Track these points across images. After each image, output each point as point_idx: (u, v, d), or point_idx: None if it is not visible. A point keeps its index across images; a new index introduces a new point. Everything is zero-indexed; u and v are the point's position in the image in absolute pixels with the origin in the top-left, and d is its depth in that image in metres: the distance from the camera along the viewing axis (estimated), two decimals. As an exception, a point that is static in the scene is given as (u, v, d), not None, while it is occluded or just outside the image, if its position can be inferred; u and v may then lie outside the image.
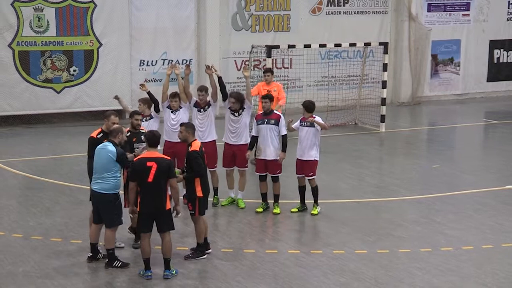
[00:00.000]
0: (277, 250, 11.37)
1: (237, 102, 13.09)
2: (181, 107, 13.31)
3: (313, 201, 13.14)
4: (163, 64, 22.19)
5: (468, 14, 26.95)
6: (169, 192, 10.24)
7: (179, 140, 12.06)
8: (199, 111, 13.29)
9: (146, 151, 10.28)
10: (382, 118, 21.22)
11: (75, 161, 16.60)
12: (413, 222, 12.81)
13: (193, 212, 10.76)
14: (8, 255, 10.94)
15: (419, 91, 26.17)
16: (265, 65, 20.98)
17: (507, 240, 11.87)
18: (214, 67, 13.46)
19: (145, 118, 12.75)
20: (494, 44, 27.68)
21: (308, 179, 13.05)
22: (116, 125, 10.71)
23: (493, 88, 27.97)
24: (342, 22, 24.74)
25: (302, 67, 22.40)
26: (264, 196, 13.31)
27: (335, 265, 10.74)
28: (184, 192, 11.32)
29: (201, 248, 10.93)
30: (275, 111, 13.15)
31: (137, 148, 11.21)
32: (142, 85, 13.35)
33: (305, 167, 12.97)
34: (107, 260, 10.50)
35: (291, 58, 23.50)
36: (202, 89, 13.33)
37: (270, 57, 20.03)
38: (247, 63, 22.52)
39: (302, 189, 13.19)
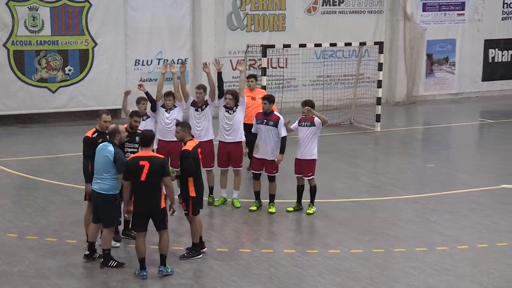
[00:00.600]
0: (273, 249, 11.37)
1: (234, 99, 13.10)
2: (175, 106, 13.28)
3: (309, 200, 13.14)
4: (158, 64, 22.16)
5: (463, 14, 26.98)
6: (164, 191, 10.23)
7: (173, 139, 12.07)
8: (196, 110, 13.28)
9: (140, 150, 10.30)
10: (378, 118, 21.23)
11: (70, 161, 16.56)
12: (409, 222, 12.81)
13: (186, 212, 10.77)
14: (3, 255, 10.92)
15: (414, 90, 26.18)
16: (260, 64, 21.02)
17: (503, 239, 11.89)
18: (217, 62, 13.45)
19: (142, 118, 12.74)
20: (489, 44, 27.71)
21: (308, 179, 13.04)
22: (112, 125, 10.68)
23: (488, 88, 27.99)
24: (338, 21, 24.73)
25: (298, 67, 22.41)
26: (257, 194, 13.31)
27: (331, 264, 10.74)
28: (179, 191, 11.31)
29: (197, 248, 10.92)
30: (275, 113, 13.13)
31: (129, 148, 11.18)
32: (140, 85, 13.24)
33: (304, 167, 12.96)
34: (102, 259, 10.48)
35: (286, 58, 23.50)
36: (200, 87, 13.33)
37: (266, 57, 20.04)
38: (242, 62, 22.54)
39: (300, 189, 13.19)
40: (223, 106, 13.26)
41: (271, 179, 13.15)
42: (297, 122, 13.04)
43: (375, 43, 21.87)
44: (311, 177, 13.01)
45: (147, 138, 10.27)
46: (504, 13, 27.76)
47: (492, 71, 27.96)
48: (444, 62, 26.98)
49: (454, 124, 23.15)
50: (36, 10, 20.79)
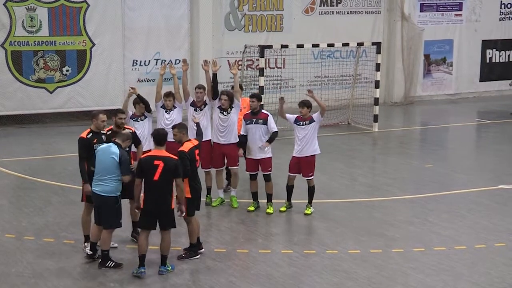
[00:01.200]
0: (270, 250, 11.37)
1: (229, 100, 13.10)
2: (175, 107, 13.28)
3: (307, 200, 13.14)
4: (156, 64, 22.15)
5: (461, 14, 27.01)
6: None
7: (172, 140, 12.07)
8: (195, 110, 13.28)
9: (154, 149, 10.28)
10: (375, 118, 21.25)
11: (67, 161, 16.54)
12: (406, 222, 12.82)
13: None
14: (0, 256, 10.91)
15: (412, 91, 26.21)
16: (258, 65, 21.02)
17: (500, 240, 11.90)
18: (214, 63, 13.45)
19: (139, 118, 12.74)
20: (487, 44, 27.75)
21: (307, 179, 13.03)
22: (127, 131, 10.75)
23: (486, 88, 28.04)
24: (335, 22, 24.75)
25: (295, 67, 22.40)
26: (254, 195, 13.31)
27: (329, 265, 10.75)
28: None
29: (194, 248, 10.93)
30: (262, 111, 13.13)
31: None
32: (133, 88, 13.03)
33: (304, 166, 12.92)
34: (100, 260, 10.48)
35: (284, 58, 23.50)
36: (201, 87, 13.32)
37: (263, 57, 20.06)
38: (240, 63, 22.52)
39: (290, 188, 13.20)
40: (218, 107, 13.25)
41: (267, 179, 13.15)
42: (294, 117, 13.00)
43: (373, 44, 21.88)
44: (311, 177, 13.01)
45: (161, 137, 10.26)
46: (501, 13, 27.80)
47: (489, 71, 28.00)
48: (441, 62, 27.01)
49: (451, 124, 23.17)
50: (34, 11, 20.77)
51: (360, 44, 21.83)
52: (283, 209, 13.20)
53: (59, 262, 10.70)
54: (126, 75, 22.10)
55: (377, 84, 21.53)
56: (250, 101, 13.13)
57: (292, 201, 13.29)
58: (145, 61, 22.39)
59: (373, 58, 22.01)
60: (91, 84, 21.66)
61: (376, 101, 21.44)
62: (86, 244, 10.91)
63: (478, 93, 27.89)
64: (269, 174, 13.14)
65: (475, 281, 10.22)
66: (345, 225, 12.53)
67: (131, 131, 11.31)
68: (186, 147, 10.78)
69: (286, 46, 21.02)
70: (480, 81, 27.92)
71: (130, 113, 12.76)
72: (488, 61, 27.95)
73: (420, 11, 26.31)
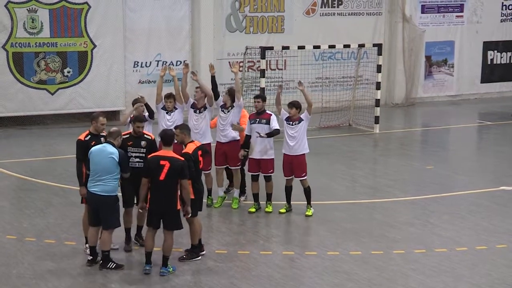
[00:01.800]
0: (271, 251, 11.37)
1: (229, 96, 13.19)
2: (176, 108, 13.29)
3: (305, 202, 13.15)
4: (157, 66, 22.16)
5: (462, 16, 27.01)
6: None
7: (174, 141, 12.09)
8: (195, 112, 13.29)
9: (162, 149, 10.29)
10: (376, 119, 21.25)
11: (68, 163, 16.47)
12: (407, 223, 12.82)
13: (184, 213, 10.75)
14: (1, 257, 10.91)
15: (413, 92, 26.20)
16: (259, 66, 21.02)
17: (501, 241, 11.89)
18: (211, 67, 13.48)
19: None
20: (488, 46, 27.75)
21: (300, 180, 13.06)
22: (115, 128, 10.69)
23: (487, 90, 28.04)
24: (336, 23, 24.75)
25: (296, 69, 22.39)
26: (256, 196, 13.32)
27: (329, 266, 10.75)
28: None
29: (195, 250, 10.93)
30: (267, 111, 13.13)
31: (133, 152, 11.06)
32: (142, 97, 13.00)
33: (295, 167, 12.95)
34: (101, 261, 10.48)
35: (285, 60, 23.52)
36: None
37: (264, 59, 20.07)
38: (241, 64, 22.53)
39: (289, 189, 13.22)
40: (221, 106, 13.30)
41: (267, 179, 13.18)
42: (285, 116, 12.99)
43: (374, 45, 21.88)
44: (304, 178, 13.02)
45: (168, 137, 10.30)
46: (502, 15, 27.79)
47: (490, 73, 28.00)
48: (442, 64, 27.00)
49: (452, 126, 23.17)
50: (35, 12, 20.79)
51: (361, 46, 21.83)
52: (282, 210, 13.20)
53: (60, 263, 10.71)
54: (127, 77, 22.11)
55: (378, 86, 21.53)
56: (255, 101, 13.17)
57: (292, 203, 13.28)
58: (146, 62, 22.39)
59: (374, 59, 22.02)
60: (92, 86, 21.66)
61: (377, 103, 21.44)
62: (87, 245, 10.90)
63: (479, 94, 27.89)
64: (270, 175, 13.15)
65: (475, 282, 10.22)
66: (346, 227, 12.53)
67: (151, 138, 11.23)
68: (189, 148, 10.80)
69: (287, 48, 21.04)
70: (481, 83, 27.92)
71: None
72: (489, 62, 27.95)
73: (421, 13, 26.31)
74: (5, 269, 10.47)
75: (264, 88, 19.81)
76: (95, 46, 21.55)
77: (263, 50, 20.15)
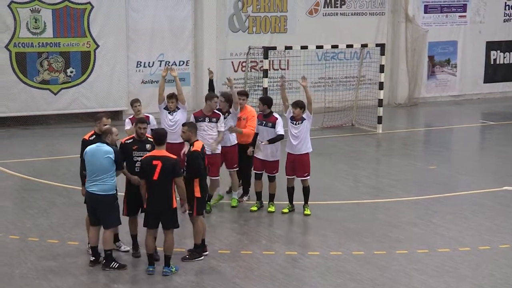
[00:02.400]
0: (274, 251, 11.38)
1: (226, 102, 13.10)
2: (178, 108, 13.31)
3: (303, 201, 13.16)
4: (160, 66, 22.16)
5: (465, 16, 26.99)
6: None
7: (176, 141, 12.11)
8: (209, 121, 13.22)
9: (155, 149, 10.32)
10: (379, 119, 21.24)
11: (71, 163, 16.55)
12: (410, 223, 12.81)
13: (191, 212, 10.75)
14: (4, 257, 10.93)
15: (416, 92, 26.19)
16: (262, 66, 21.02)
17: (504, 241, 11.89)
18: (210, 71, 13.53)
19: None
20: (491, 46, 27.72)
21: (302, 180, 13.06)
22: (106, 126, 10.68)
23: (490, 90, 28.02)
24: (339, 23, 24.74)
25: (299, 69, 22.36)
26: (258, 195, 13.34)
27: (332, 266, 10.75)
28: None
29: (198, 250, 10.93)
30: (274, 114, 13.13)
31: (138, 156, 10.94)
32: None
33: (298, 167, 12.95)
34: (104, 261, 10.49)
35: (288, 60, 23.51)
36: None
37: (267, 59, 20.08)
38: (244, 64, 22.56)
39: (291, 190, 13.22)
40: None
41: (271, 179, 13.20)
42: (290, 114, 12.99)
43: (377, 45, 21.86)
44: (307, 178, 13.03)
45: (160, 137, 10.28)
46: (506, 15, 27.77)
47: (493, 73, 27.98)
48: (445, 64, 26.99)
49: (455, 126, 23.15)
50: (38, 12, 20.80)
51: (364, 46, 21.82)
52: (285, 210, 13.21)
53: (63, 263, 10.72)
54: (130, 77, 22.12)
55: (381, 86, 21.52)
56: (258, 104, 13.20)
57: (295, 202, 13.29)
58: (149, 62, 22.40)
59: (377, 59, 22.01)
60: (95, 86, 21.68)
61: (380, 103, 21.43)
62: (90, 245, 10.90)
63: (482, 94, 27.87)
64: (274, 176, 13.17)
65: (478, 282, 10.21)
66: (348, 227, 12.52)
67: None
68: (198, 146, 10.82)
69: (290, 48, 21.04)
70: (484, 83, 27.90)
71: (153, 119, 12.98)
72: (492, 62, 27.93)
73: (424, 13, 26.30)
74: (8, 269, 10.49)
75: (267, 88, 19.80)
76: (98, 46, 21.56)
77: (266, 50, 20.15)
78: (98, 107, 21.47)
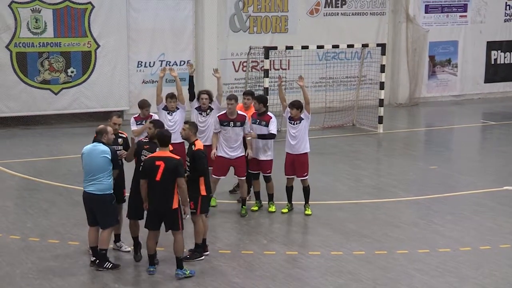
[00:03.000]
0: (275, 251, 11.37)
1: (209, 99, 13.12)
2: (178, 108, 13.30)
3: (304, 201, 13.16)
4: (160, 66, 22.14)
5: (466, 16, 26.99)
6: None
7: (176, 141, 12.09)
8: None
9: (157, 150, 10.25)
10: (380, 119, 21.24)
11: (72, 163, 16.56)
12: (411, 223, 12.81)
13: (194, 210, 10.72)
14: (5, 257, 10.93)
15: (417, 92, 26.19)
16: (262, 66, 21.02)
17: (505, 241, 11.88)
18: (190, 66, 13.58)
19: (144, 121, 12.73)
20: (492, 46, 27.72)
21: (301, 180, 13.06)
22: (101, 125, 10.67)
23: (490, 89, 28.03)
24: (340, 23, 24.75)
25: (300, 68, 22.35)
26: (257, 195, 13.34)
27: (333, 266, 10.74)
28: None
29: (199, 249, 10.92)
30: (268, 113, 13.12)
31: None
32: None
33: (298, 166, 12.96)
34: (97, 260, 10.47)
35: (288, 60, 23.50)
36: (231, 98, 12.88)
37: (268, 58, 20.08)
38: (245, 64, 22.56)
39: (290, 189, 13.23)
40: (196, 108, 13.19)
41: (267, 179, 13.18)
42: (288, 114, 12.99)
43: (378, 45, 21.87)
44: (305, 178, 13.03)
45: (164, 138, 10.25)
46: (506, 15, 27.77)
47: (494, 73, 27.98)
48: (446, 64, 26.99)
49: (456, 126, 23.16)
50: (38, 12, 20.81)
51: (365, 46, 21.82)
52: (284, 210, 13.21)
53: (63, 263, 10.72)
54: (131, 77, 22.13)
55: (381, 86, 21.52)
56: (253, 102, 13.17)
57: (295, 202, 13.29)
58: (149, 62, 22.40)
59: (378, 59, 22.01)
60: (96, 86, 21.68)
61: (381, 103, 21.43)
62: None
63: (482, 94, 27.87)
64: (269, 176, 13.16)
65: (479, 282, 10.21)
66: (349, 227, 12.52)
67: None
68: (200, 145, 10.84)
69: (291, 48, 21.04)
70: (485, 83, 27.90)
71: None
72: (493, 62, 27.93)
73: (425, 13, 26.29)
74: (9, 269, 10.49)
75: (267, 88, 19.80)
76: (98, 46, 21.56)
77: (267, 50, 20.16)
78: (99, 107, 21.51)
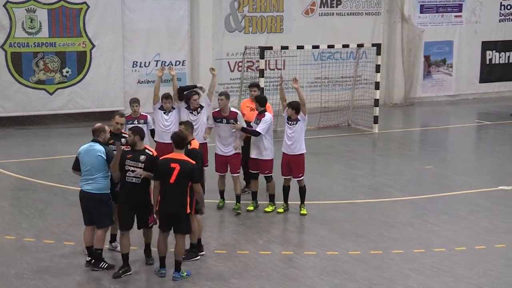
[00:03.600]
0: (271, 251, 11.37)
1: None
2: (173, 108, 13.29)
3: (300, 201, 13.16)
4: (156, 66, 22.11)
5: (461, 16, 27.01)
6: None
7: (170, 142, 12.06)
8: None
9: (174, 151, 10.16)
10: (375, 119, 21.25)
11: (67, 163, 16.35)
12: (406, 223, 12.82)
13: (189, 211, 10.69)
14: (0, 257, 10.91)
15: (412, 92, 26.20)
16: (258, 66, 21.01)
17: (500, 241, 11.90)
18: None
19: (136, 121, 12.74)
20: (487, 45, 27.74)
21: (297, 180, 13.07)
22: (98, 124, 10.65)
23: (485, 89, 28.04)
24: (335, 23, 24.75)
25: (295, 68, 22.38)
26: (254, 195, 13.34)
27: (329, 266, 10.75)
28: None
29: (194, 249, 10.92)
30: (265, 113, 13.14)
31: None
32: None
33: (294, 167, 12.98)
34: (93, 260, 10.45)
35: (284, 60, 23.50)
36: (222, 94, 13.17)
37: (263, 58, 20.06)
38: (240, 64, 22.55)
39: (287, 189, 13.24)
40: (186, 108, 13.18)
41: (267, 180, 13.20)
42: (287, 115, 13.04)
43: (373, 45, 21.88)
44: (301, 178, 13.04)
45: (180, 140, 10.20)
46: (501, 14, 27.80)
47: (489, 73, 27.99)
48: (441, 63, 27.01)
49: (451, 125, 23.18)
50: (33, 12, 20.77)
51: (360, 46, 21.83)
52: (280, 210, 13.22)
53: (59, 263, 10.71)
54: (126, 77, 22.10)
55: (377, 86, 21.53)
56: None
57: (290, 202, 13.29)
58: (145, 62, 22.38)
59: (373, 59, 22.02)
60: (91, 86, 21.64)
61: (376, 103, 21.44)
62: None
63: (478, 94, 27.89)
64: (269, 176, 13.17)
65: (474, 282, 10.23)
66: (345, 227, 12.53)
67: (152, 153, 11.13)
68: (195, 144, 10.83)
69: (286, 48, 21.03)
70: (480, 83, 27.92)
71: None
72: (488, 62, 27.95)
73: (420, 13, 26.30)
74: (4, 269, 10.47)
75: (263, 88, 19.78)
76: (94, 46, 21.53)
77: (262, 50, 20.16)
78: (94, 107, 21.48)
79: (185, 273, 10.22)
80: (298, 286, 10.07)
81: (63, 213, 13.04)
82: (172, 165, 9.96)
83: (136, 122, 12.61)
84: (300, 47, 21.07)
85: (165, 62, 22.24)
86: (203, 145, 12.74)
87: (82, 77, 21.57)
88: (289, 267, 10.76)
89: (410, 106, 25.90)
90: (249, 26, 23.69)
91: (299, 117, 12.87)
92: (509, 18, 27.98)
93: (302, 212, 13.10)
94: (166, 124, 13.12)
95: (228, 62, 23.44)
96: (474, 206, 13.85)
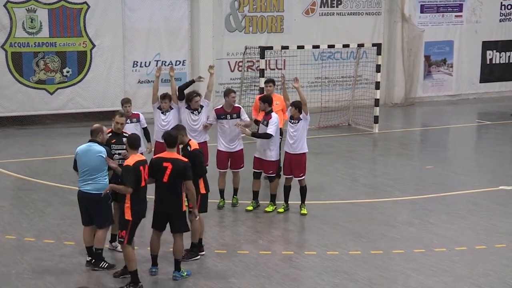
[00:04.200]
0: (271, 251, 11.37)
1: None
2: (171, 108, 13.29)
3: (300, 201, 13.16)
4: (156, 65, 22.09)
5: (461, 15, 27.02)
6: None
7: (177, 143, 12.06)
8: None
9: (166, 150, 10.17)
10: (376, 119, 21.25)
11: (68, 162, 16.41)
12: (407, 223, 12.82)
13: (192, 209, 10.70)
14: (1, 257, 10.91)
15: (412, 92, 26.21)
16: (258, 66, 21.01)
17: (500, 241, 11.90)
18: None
19: (132, 120, 12.74)
20: (487, 45, 27.75)
21: (298, 180, 13.07)
22: (96, 125, 10.65)
23: (486, 89, 28.05)
24: (335, 23, 24.75)
25: (296, 68, 22.38)
26: (255, 194, 13.33)
27: (329, 266, 10.74)
28: None
29: (195, 249, 10.92)
30: (272, 113, 13.13)
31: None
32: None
33: (295, 167, 12.97)
34: (93, 260, 10.45)
35: (284, 59, 23.51)
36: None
37: (264, 58, 20.05)
38: (240, 64, 22.55)
39: (288, 189, 13.24)
40: (186, 108, 13.19)
41: (270, 179, 13.22)
42: (289, 116, 13.06)
43: (373, 45, 21.88)
44: (302, 178, 13.04)
45: (171, 139, 10.20)
46: (501, 14, 27.81)
47: (489, 72, 28.00)
48: (442, 63, 27.01)
49: (452, 125, 23.17)
50: (34, 12, 20.78)
51: (360, 45, 21.83)
52: (280, 210, 13.22)
53: (59, 263, 10.71)
54: (126, 76, 22.10)
55: (377, 85, 21.53)
56: (259, 102, 13.27)
57: (291, 202, 13.29)
58: (145, 62, 22.38)
59: (373, 59, 22.02)
60: (91, 86, 21.65)
61: (377, 102, 21.44)
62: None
63: (478, 94, 27.90)
64: (272, 176, 13.18)
65: (475, 282, 10.22)
66: (345, 226, 12.53)
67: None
68: (195, 145, 10.86)
69: (286, 47, 21.03)
70: (480, 82, 27.93)
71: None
72: (488, 62, 27.96)
73: (421, 12, 26.32)
74: (5, 269, 10.47)
75: (263, 87, 19.75)
76: (94, 46, 21.54)
77: (263, 50, 20.15)
78: (94, 107, 21.48)
79: (185, 273, 10.22)
80: (299, 286, 10.06)
81: (63, 213, 13.04)
82: (165, 164, 9.98)
83: (129, 121, 12.61)
84: (300, 47, 21.07)
85: (166, 62, 22.24)
86: (203, 145, 12.78)
87: (83, 77, 21.57)
88: (289, 267, 10.76)
89: (410, 106, 25.91)
90: (250, 26, 23.69)
91: (301, 116, 12.87)
92: (510, 18, 27.98)
93: (302, 212, 13.11)
94: (163, 124, 13.13)
95: (229, 62, 23.44)
96: (474, 206, 13.85)
